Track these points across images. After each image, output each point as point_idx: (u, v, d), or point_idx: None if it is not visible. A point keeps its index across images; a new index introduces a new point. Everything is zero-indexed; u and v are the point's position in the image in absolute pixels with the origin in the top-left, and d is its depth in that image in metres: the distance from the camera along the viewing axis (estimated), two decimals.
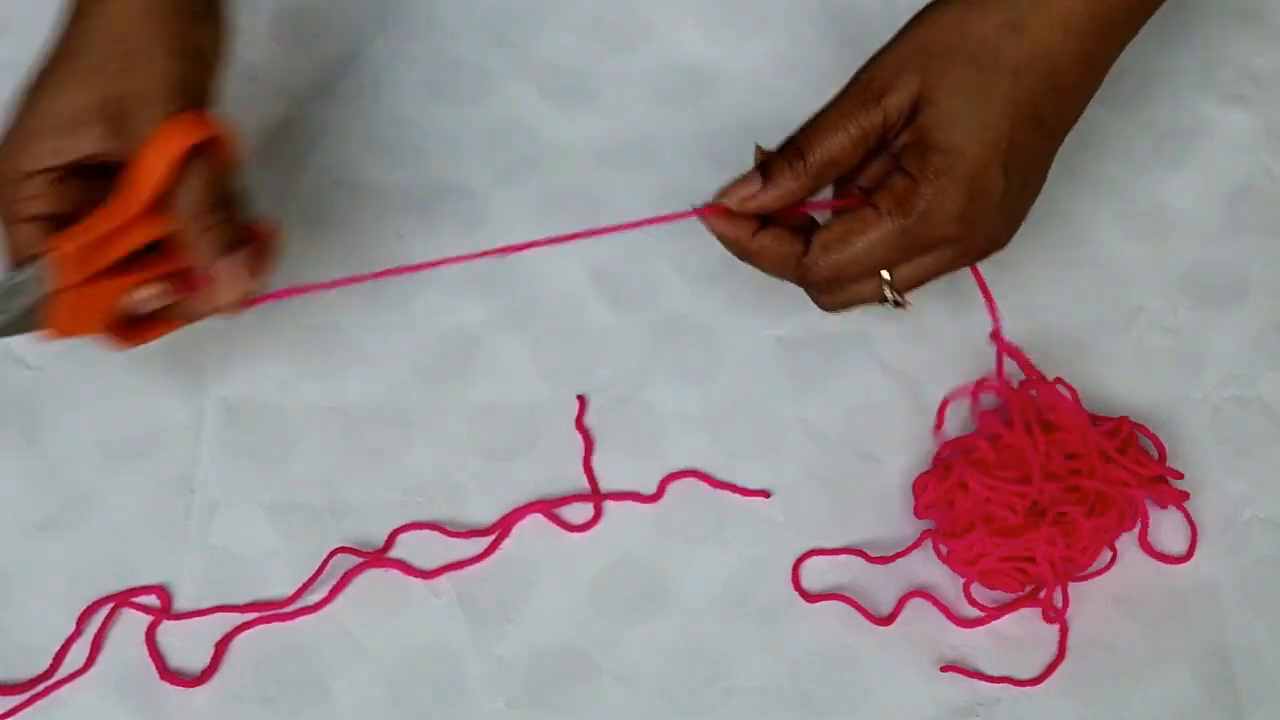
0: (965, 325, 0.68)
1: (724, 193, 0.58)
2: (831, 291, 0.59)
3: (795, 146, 0.58)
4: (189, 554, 0.63)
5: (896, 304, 0.59)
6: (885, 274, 0.58)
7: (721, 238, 0.59)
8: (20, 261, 0.56)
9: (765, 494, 0.64)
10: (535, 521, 0.64)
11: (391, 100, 0.74)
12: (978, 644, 0.62)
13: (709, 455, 0.66)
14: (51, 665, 0.61)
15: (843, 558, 0.63)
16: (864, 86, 0.57)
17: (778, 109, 0.74)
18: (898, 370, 0.67)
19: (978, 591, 0.62)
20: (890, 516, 0.64)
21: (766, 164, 0.58)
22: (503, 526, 0.64)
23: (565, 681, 0.61)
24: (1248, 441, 0.66)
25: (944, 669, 0.61)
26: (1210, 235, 0.70)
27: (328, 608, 0.62)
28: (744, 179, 0.58)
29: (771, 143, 0.73)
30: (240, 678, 0.61)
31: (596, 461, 0.65)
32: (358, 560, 0.63)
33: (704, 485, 0.65)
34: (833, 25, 0.76)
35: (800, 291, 0.69)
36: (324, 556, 0.63)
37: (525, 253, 0.70)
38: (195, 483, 0.65)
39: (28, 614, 0.62)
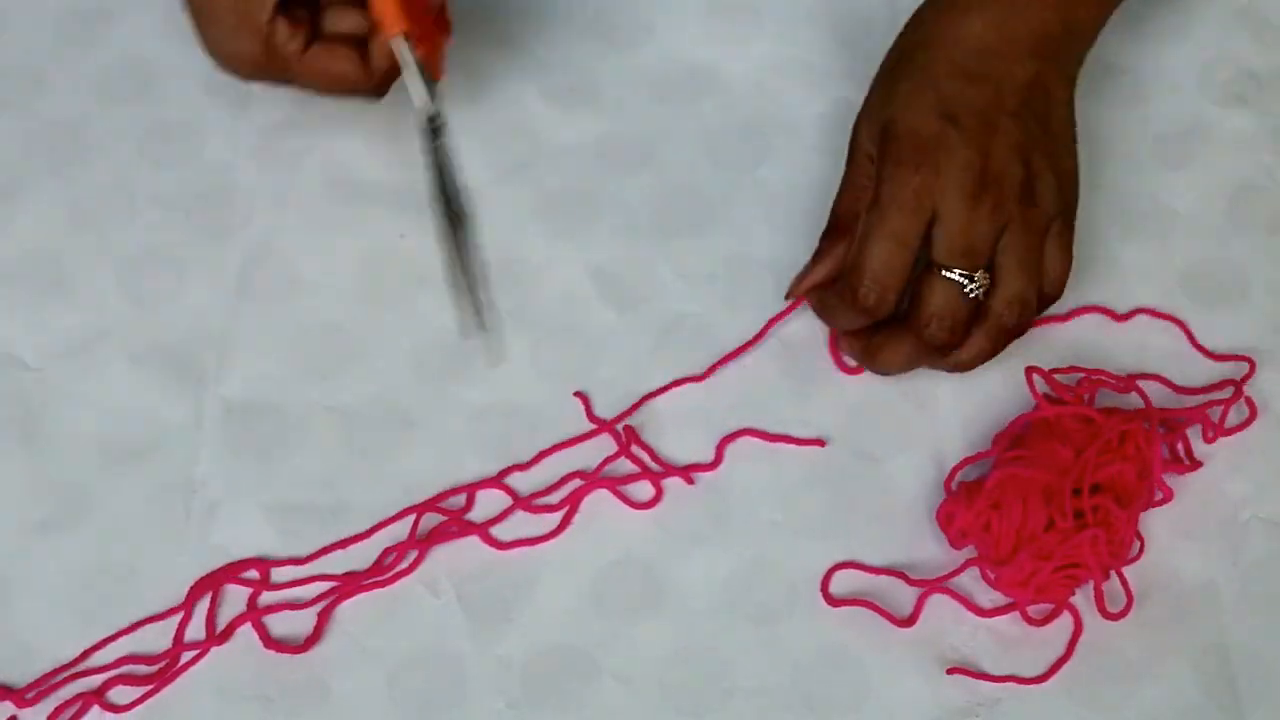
0: None
1: (790, 289, 0.66)
2: (885, 290, 0.61)
3: (827, 228, 0.65)
4: (189, 554, 0.63)
5: (972, 280, 0.60)
6: (951, 273, 0.60)
7: (810, 288, 0.65)
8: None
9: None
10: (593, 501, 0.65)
11: (391, 100, 0.74)
12: (980, 644, 0.62)
13: (707, 455, 0.66)
14: (175, 645, 0.61)
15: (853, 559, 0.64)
16: (850, 156, 0.65)
17: (778, 109, 0.74)
18: None
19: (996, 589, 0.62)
20: (890, 516, 0.64)
21: (815, 253, 0.65)
22: (571, 502, 0.64)
23: (565, 681, 0.61)
24: (1248, 441, 0.66)
25: (950, 671, 0.61)
26: (1210, 235, 0.70)
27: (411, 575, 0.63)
28: (801, 272, 0.66)
29: (771, 143, 0.73)
30: (240, 676, 0.61)
31: (595, 457, 0.65)
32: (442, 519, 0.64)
33: (700, 479, 0.65)
34: (832, 25, 0.76)
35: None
36: (320, 554, 0.63)
37: (525, 253, 0.71)
38: (195, 483, 0.65)
39: (28, 614, 0.62)
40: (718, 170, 0.73)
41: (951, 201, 0.60)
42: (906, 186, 0.60)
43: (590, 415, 0.66)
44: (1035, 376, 0.64)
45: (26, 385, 0.67)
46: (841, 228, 0.64)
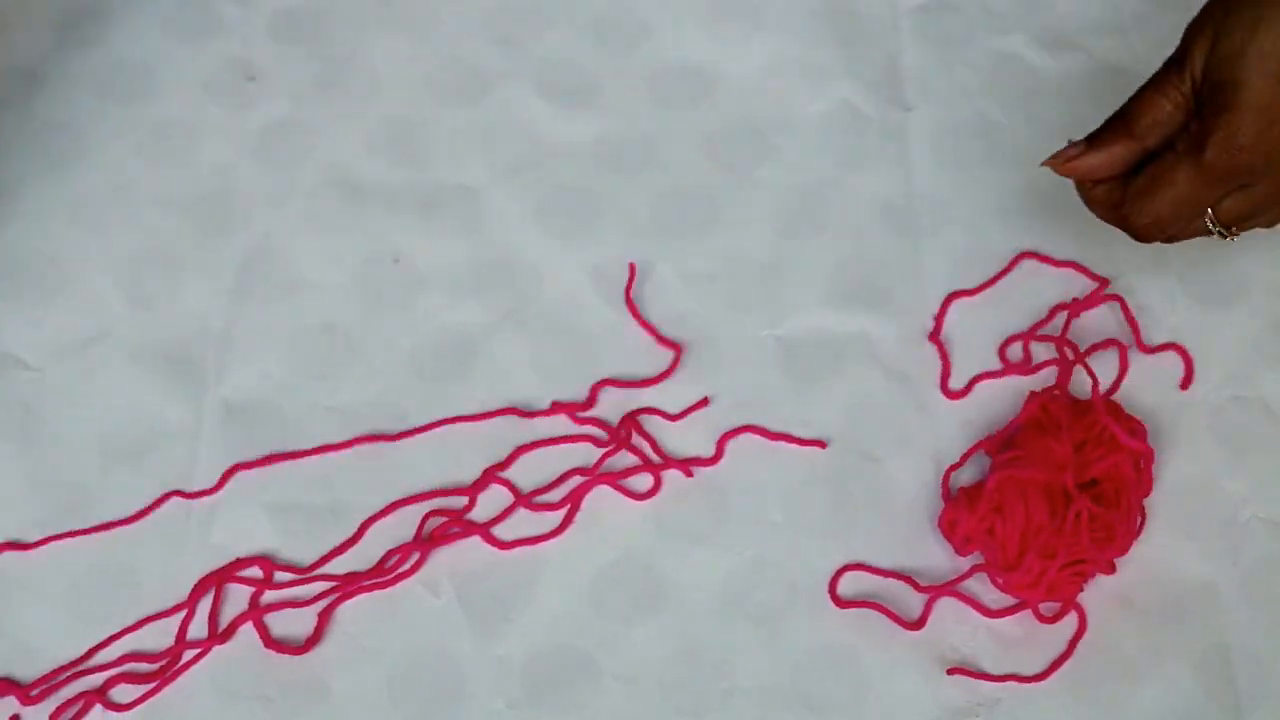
0: (964, 325, 0.68)
1: (1052, 157, 0.62)
2: (1154, 234, 0.62)
3: (1118, 115, 0.62)
4: (189, 554, 0.63)
5: (1223, 235, 0.61)
6: (1209, 212, 0.61)
7: (1075, 177, 0.63)
8: None
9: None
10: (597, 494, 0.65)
11: (391, 100, 0.74)
12: (980, 644, 0.62)
13: (708, 452, 0.65)
14: (177, 643, 0.61)
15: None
16: (1173, 58, 0.61)
17: (778, 109, 0.74)
18: (898, 370, 0.67)
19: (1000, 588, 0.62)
20: (890, 517, 0.64)
21: (1094, 132, 0.62)
22: (572, 499, 0.64)
23: (565, 681, 0.61)
24: (1248, 441, 0.66)
25: (950, 671, 0.61)
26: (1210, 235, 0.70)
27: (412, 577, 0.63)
28: (1068, 145, 0.62)
29: (771, 143, 0.73)
30: (241, 676, 0.61)
31: (596, 453, 0.65)
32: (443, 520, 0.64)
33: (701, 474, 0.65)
34: (832, 25, 0.76)
35: (797, 291, 0.69)
36: (322, 556, 0.63)
37: (525, 253, 0.71)
38: (195, 483, 0.65)
39: (28, 614, 0.62)
40: (718, 170, 0.73)
41: (1266, 189, 0.60)
42: (1235, 160, 0.59)
43: (593, 398, 0.66)
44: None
45: (26, 385, 0.67)
46: (1130, 124, 0.61)
